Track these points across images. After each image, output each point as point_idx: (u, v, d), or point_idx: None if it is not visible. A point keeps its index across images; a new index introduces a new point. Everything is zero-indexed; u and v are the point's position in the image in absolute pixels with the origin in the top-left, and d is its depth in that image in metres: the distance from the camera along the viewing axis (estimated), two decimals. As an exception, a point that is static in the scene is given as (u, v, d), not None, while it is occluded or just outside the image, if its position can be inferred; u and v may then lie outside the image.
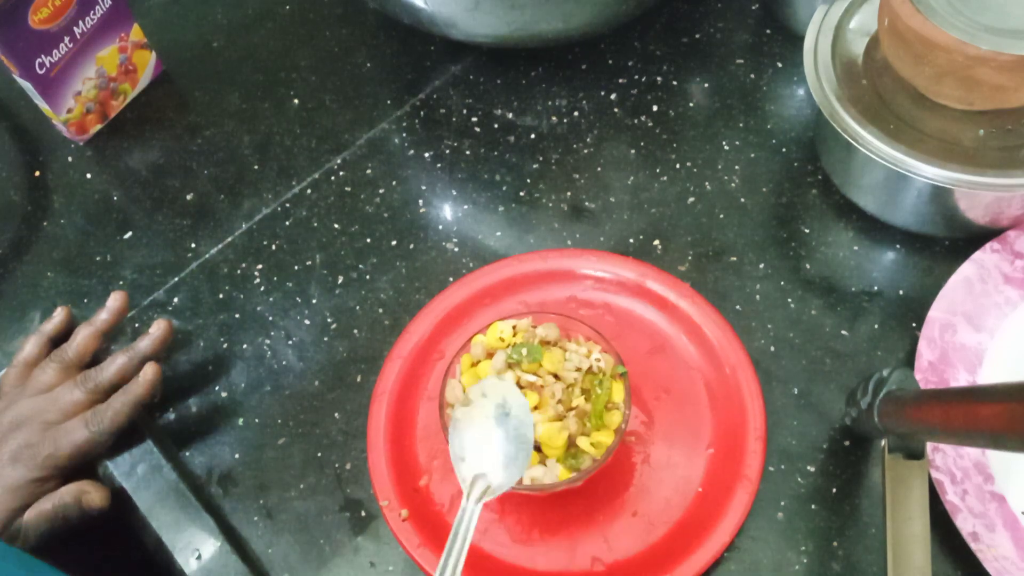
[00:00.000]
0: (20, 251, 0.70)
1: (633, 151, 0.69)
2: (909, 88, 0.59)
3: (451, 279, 0.64)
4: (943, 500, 0.51)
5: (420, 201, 0.69)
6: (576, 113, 0.72)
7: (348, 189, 0.70)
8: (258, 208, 0.70)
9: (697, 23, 0.75)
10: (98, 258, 0.69)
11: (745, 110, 0.70)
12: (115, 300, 0.61)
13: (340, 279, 0.66)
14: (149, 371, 0.57)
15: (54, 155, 0.75)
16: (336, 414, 0.60)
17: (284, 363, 0.63)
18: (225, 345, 0.64)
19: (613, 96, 0.72)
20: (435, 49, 0.77)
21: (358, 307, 0.65)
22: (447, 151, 0.71)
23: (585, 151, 0.70)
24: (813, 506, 0.54)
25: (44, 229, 0.71)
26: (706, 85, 0.72)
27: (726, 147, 0.69)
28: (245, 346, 0.64)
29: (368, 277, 0.66)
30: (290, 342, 0.64)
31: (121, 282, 0.67)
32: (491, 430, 0.48)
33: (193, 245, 0.69)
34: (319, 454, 0.59)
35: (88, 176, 0.73)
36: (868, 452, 0.56)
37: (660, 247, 0.65)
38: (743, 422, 0.55)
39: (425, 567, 0.53)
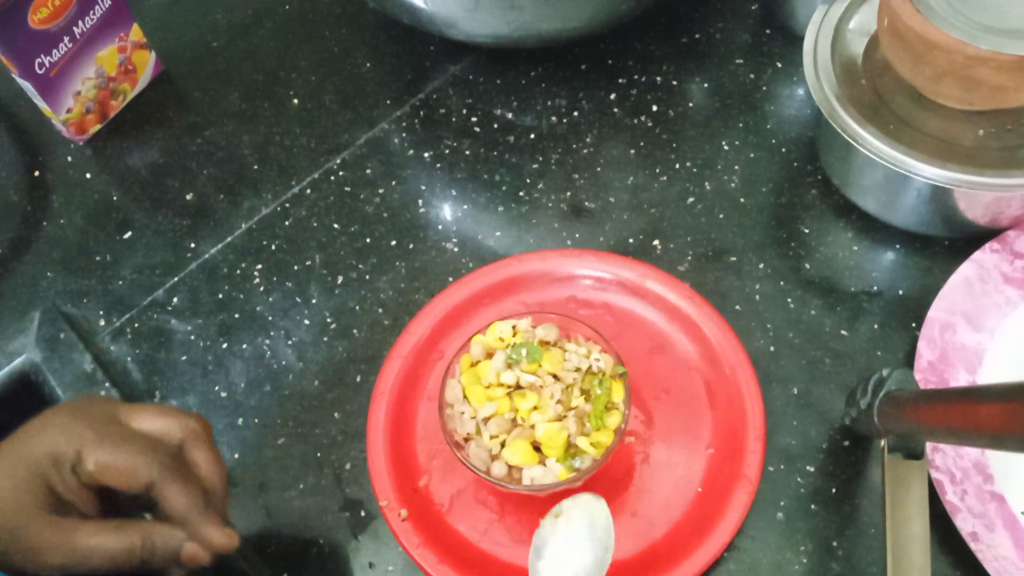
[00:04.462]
0: (20, 251, 0.70)
1: (633, 151, 0.69)
2: (909, 88, 0.59)
3: (451, 279, 0.64)
4: (943, 500, 0.51)
5: (420, 201, 0.69)
6: (576, 113, 0.72)
7: (348, 189, 0.70)
8: (258, 208, 0.70)
9: (697, 23, 0.75)
10: (98, 258, 0.69)
11: (745, 110, 0.70)
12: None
13: (340, 279, 0.66)
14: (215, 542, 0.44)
15: (53, 155, 0.75)
16: (336, 414, 0.60)
17: (284, 363, 0.63)
18: (225, 345, 0.64)
19: (613, 96, 0.72)
20: (435, 49, 0.77)
21: (358, 307, 0.65)
22: (447, 151, 0.71)
23: (585, 151, 0.70)
24: (813, 506, 0.54)
25: (44, 229, 0.71)
26: (706, 85, 0.72)
27: (726, 147, 0.69)
28: (245, 346, 0.64)
29: (368, 277, 0.66)
30: (290, 342, 0.64)
31: (121, 282, 0.67)
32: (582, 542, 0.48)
33: (193, 245, 0.69)
34: (318, 454, 0.59)
35: (88, 176, 0.73)
36: (868, 452, 0.56)
37: (660, 247, 0.65)
38: (743, 422, 0.55)
39: (425, 567, 0.53)
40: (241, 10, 0.82)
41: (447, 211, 0.69)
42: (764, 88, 0.71)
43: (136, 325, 0.66)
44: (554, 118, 0.72)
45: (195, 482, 0.45)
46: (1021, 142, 0.57)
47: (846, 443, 0.56)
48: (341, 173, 0.71)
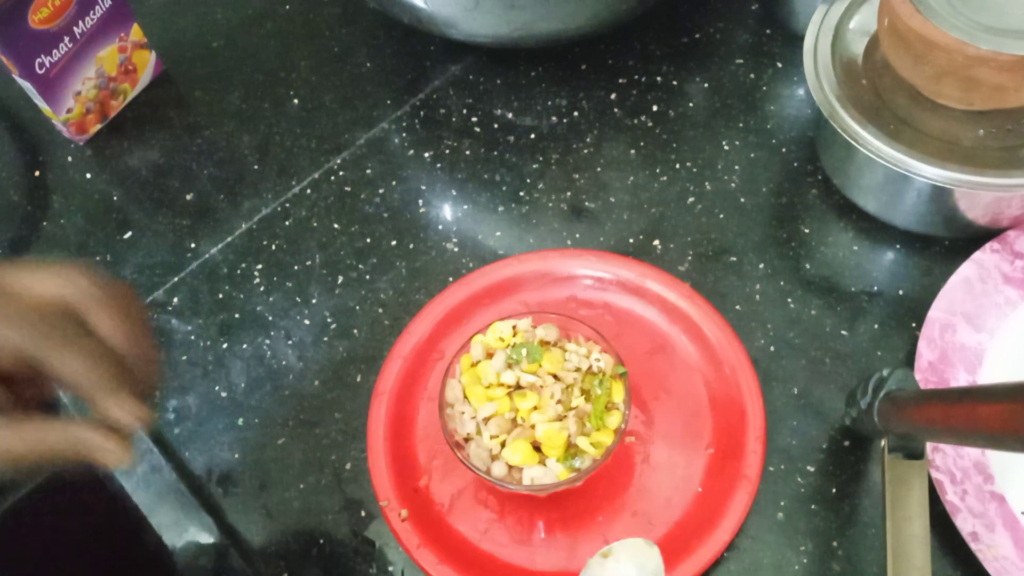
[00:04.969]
0: (20, 251, 0.70)
1: (633, 151, 0.69)
2: (909, 88, 0.59)
3: (451, 279, 0.64)
4: (943, 500, 0.51)
5: (420, 201, 0.69)
6: (576, 113, 0.72)
7: (348, 189, 0.70)
8: (258, 208, 0.70)
9: (697, 23, 0.75)
10: (98, 258, 0.69)
11: (745, 110, 0.70)
12: None
13: (340, 279, 0.66)
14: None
15: (54, 155, 0.75)
16: (336, 414, 0.60)
17: (284, 363, 0.63)
18: (225, 345, 0.64)
19: (613, 96, 0.72)
20: (435, 49, 0.77)
21: (358, 307, 0.65)
22: (447, 151, 0.71)
23: (585, 151, 0.70)
24: (813, 506, 0.54)
25: (44, 229, 0.71)
26: (706, 85, 0.72)
27: (726, 147, 0.69)
28: (245, 346, 0.64)
29: (368, 277, 0.66)
30: (290, 342, 0.64)
31: (121, 282, 0.67)
32: None
33: (193, 245, 0.69)
34: (319, 454, 0.59)
35: (88, 176, 0.73)
36: (868, 452, 0.56)
37: (660, 247, 0.65)
38: (743, 422, 0.55)
39: (425, 567, 0.53)
40: (241, 10, 0.82)
41: (447, 211, 0.69)
42: (764, 88, 0.71)
43: (136, 325, 0.65)
44: (554, 118, 0.72)
45: (96, 350, 0.37)
46: (1021, 142, 0.57)
47: (846, 443, 0.56)
48: (341, 173, 0.71)
